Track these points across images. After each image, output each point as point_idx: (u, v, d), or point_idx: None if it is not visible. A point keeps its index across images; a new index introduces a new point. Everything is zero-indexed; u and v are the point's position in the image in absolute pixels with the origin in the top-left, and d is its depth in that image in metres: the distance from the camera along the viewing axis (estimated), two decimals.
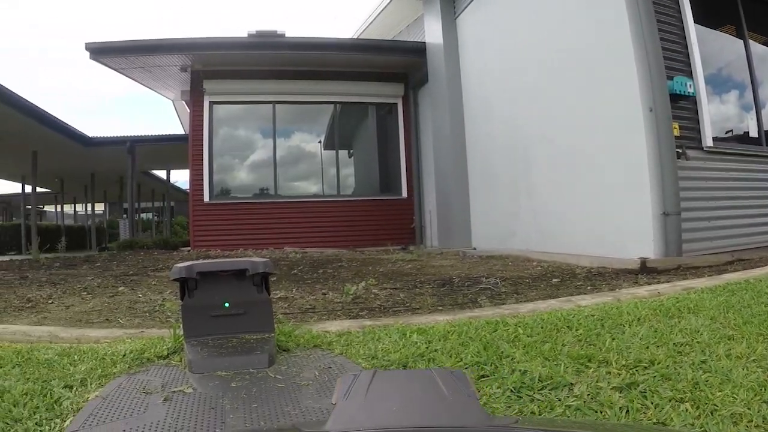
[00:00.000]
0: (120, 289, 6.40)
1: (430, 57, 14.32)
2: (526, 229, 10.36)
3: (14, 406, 2.30)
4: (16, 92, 16.35)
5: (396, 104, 16.40)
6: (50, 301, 5.55)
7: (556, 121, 9.43)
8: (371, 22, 18.18)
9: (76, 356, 3.09)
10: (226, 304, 3.08)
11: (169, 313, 4.59)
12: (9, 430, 2.07)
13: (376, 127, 17.18)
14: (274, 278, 4.85)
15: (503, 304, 4.44)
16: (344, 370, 2.60)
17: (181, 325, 3.12)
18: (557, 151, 9.42)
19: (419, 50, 14.79)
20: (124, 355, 3.04)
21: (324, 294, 5.27)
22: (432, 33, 14.20)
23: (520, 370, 2.48)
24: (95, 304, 5.26)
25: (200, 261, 3.18)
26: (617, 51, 7.98)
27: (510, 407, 2.14)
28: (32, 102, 17.43)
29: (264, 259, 3.10)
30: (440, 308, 4.33)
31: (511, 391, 2.27)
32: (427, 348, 2.91)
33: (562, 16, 9.31)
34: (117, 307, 4.99)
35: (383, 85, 16.25)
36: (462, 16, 13.15)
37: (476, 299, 4.69)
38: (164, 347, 3.12)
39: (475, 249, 11.58)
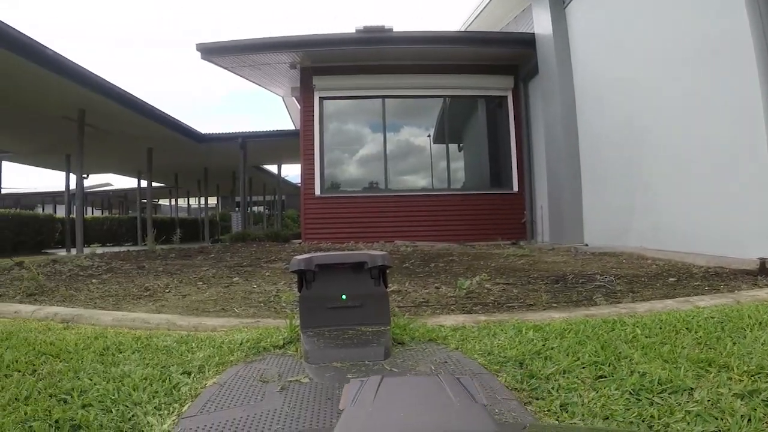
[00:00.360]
0: (234, 279, 6.54)
1: (539, 48, 14.13)
2: (640, 225, 10.13)
3: (134, 390, 2.37)
4: (131, 93, 17.03)
5: (506, 97, 16.26)
6: (167, 290, 5.73)
7: (671, 114, 9.15)
8: (478, 15, 18.08)
9: (193, 344, 3.18)
10: (343, 297, 3.11)
11: (283, 304, 4.65)
12: (129, 413, 2.13)
13: (486, 121, 17.05)
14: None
15: (619, 303, 4.33)
16: (460, 365, 2.58)
17: (298, 316, 3.16)
18: (673, 145, 9.15)
19: (528, 41, 14.62)
20: (240, 344, 3.11)
21: (437, 288, 5.25)
22: (541, 23, 14.03)
23: (638, 372, 2.41)
24: (211, 293, 5.39)
25: (318, 253, 3.21)
26: (735, 40, 7.67)
27: (629, 410, 2.09)
28: (148, 102, 18.12)
29: (382, 253, 3.11)
30: (555, 305, 4.25)
31: (630, 393, 2.22)
32: (543, 345, 2.86)
33: (679, 3, 9.04)
34: (232, 297, 5.10)
35: (492, 78, 16.18)
36: (571, 6, 12.95)
37: (591, 297, 4.59)
38: (280, 337, 3.17)
39: (587, 245, 11.39)
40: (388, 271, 3.14)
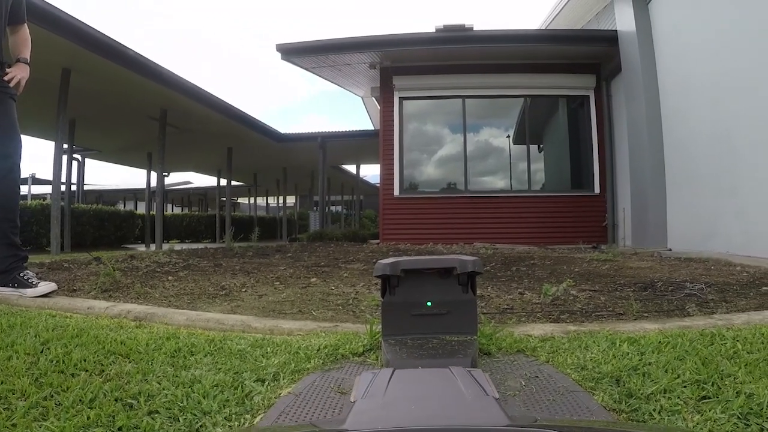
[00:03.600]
0: (312, 280, 6.44)
1: (622, 46, 13.83)
2: (727, 230, 9.77)
3: (204, 398, 2.25)
4: (211, 92, 17.40)
5: (588, 96, 15.99)
6: (243, 290, 5.65)
7: None
8: (558, 12, 17.79)
9: (268, 348, 3.06)
10: (429, 303, 2.94)
11: (362, 307, 4.51)
12: (197, 422, 2.02)
13: (567, 121, 16.87)
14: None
15: (714, 313, 4.08)
16: (552, 380, 2.42)
17: (379, 322, 3.03)
18: None
19: (611, 39, 14.32)
20: (318, 350, 2.98)
21: (521, 294, 5.06)
22: (623, 20, 13.72)
23: (745, 393, 2.22)
24: (288, 294, 5.29)
25: (404, 257, 3.00)
26: None
27: None
28: (228, 102, 18.50)
29: (472, 258, 2.84)
30: (646, 315, 4.03)
31: (738, 417, 2.02)
32: (640, 360, 2.66)
33: None
34: (310, 299, 4.99)
35: (574, 77, 15.96)
36: (655, 1, 12.62)
37: (683, 306, 4.35)
38: (359, 344, 3.05)
39: (670, 250, 11.06)
40: (477, 277, 2.96)
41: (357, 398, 1.23)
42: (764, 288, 5.50)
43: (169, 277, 6.58)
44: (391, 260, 2.82)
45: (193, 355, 2.94)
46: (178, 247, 12.12)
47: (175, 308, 4.45)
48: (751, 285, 5.71)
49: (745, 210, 9.32)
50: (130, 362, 2.79)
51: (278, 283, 6.20)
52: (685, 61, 11.38)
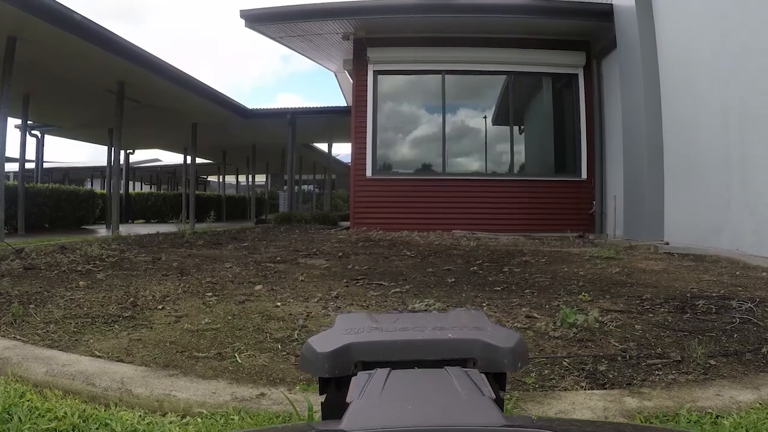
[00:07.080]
0: (257, 288, 5.16)
1: (618, 20, 12.70)
2: (737, 225, 8.72)
3: None
4: (170, 64, 16.37)
5: (576, 75, 14.96)
6: (160, 306, 4.39)
7: None
8: None
9: None
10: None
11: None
12: None
13: (553, 101, 15.84)
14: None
15: None
16: None
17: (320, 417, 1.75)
18: None
19: (604, 13, 13.28)
20: None
21: (529, 318, 3.81)
22: None
23: None
24: (215, 316, 4.03)
25: (359, 336, 1.42)
26: None
27: None
28: (191, 75, 17.57)
29: (513, 338, 1.30)
30: (713, 363, 2.85)
31: None
32: None
33: None
34: (241, 327, 3.74)
35: (562, 54, 14.92)
36: None
37: (753, 345, 3.18)
38: None
39: (667, 243, 10.04)
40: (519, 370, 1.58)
41: (353, 399, 1.01)
42: None
43: (81, 282, 5.34)
44: (334, 343, 1.34)
45: None
46: (133, 230, 11.19)
47: (45, 345, 3.21)
48: None
49: (759, 206, 8.28)
50: None
51: (211, 294, 4.91)
52: (692, 40, 10.25)
